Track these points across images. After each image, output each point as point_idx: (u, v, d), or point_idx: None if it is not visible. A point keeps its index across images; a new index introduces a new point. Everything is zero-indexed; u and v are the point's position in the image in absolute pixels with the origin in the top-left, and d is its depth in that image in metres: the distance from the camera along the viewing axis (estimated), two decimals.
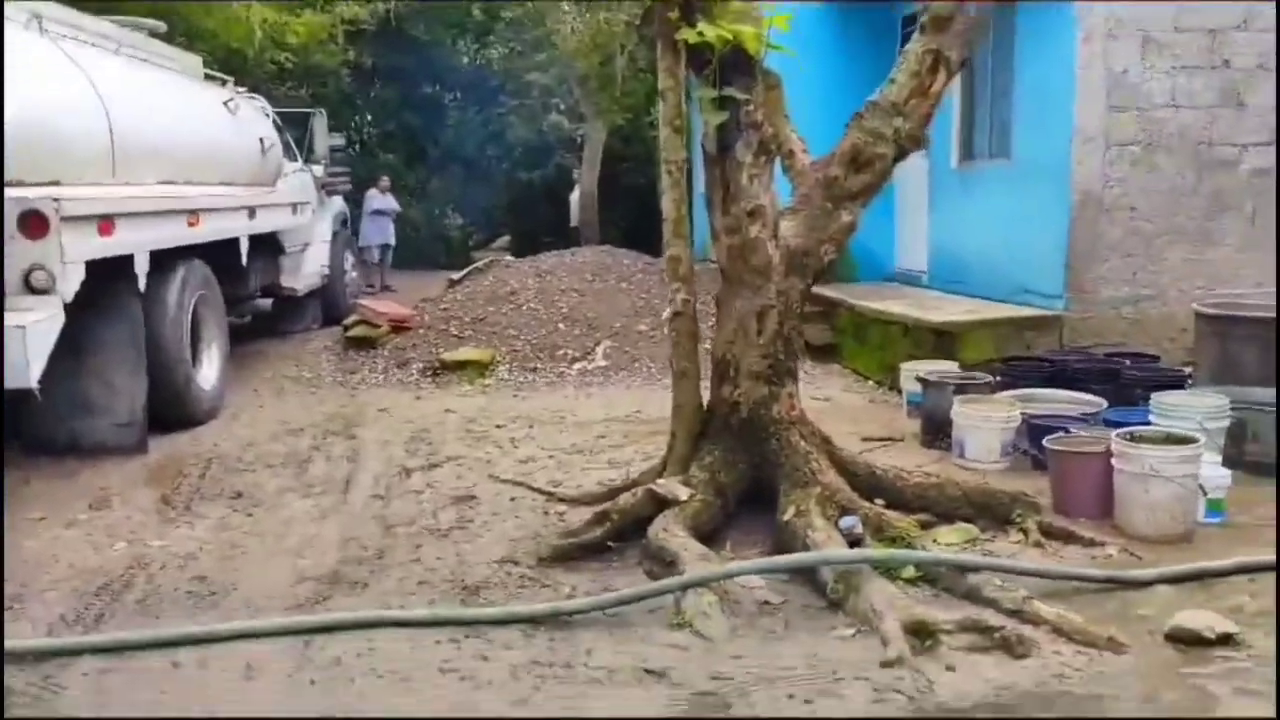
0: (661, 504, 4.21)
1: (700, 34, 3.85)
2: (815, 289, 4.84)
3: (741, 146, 4.20)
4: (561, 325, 9.14)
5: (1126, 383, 5.80)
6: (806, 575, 3.83)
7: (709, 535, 4.18)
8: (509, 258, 12.44)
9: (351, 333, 9.19)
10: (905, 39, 4.74)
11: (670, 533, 3.97)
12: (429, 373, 8.36)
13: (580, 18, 14.81)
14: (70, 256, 4.94)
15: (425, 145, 20.04)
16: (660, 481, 4.32)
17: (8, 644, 3.28)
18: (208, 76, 9.03)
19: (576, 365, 8.49)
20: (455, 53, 20.10)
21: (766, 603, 3.70)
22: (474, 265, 12.06)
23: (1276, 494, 4.49)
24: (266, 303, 9.80)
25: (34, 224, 4.83)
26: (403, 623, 3.50)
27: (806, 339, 8.18)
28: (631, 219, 18.00)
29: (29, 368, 4.62)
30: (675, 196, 4.53)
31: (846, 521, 4.07)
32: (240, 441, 6.22)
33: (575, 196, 17.24)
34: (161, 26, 8.15)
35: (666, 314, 4.69)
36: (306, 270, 10.11)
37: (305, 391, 7.89)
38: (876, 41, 8.95)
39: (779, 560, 3.87)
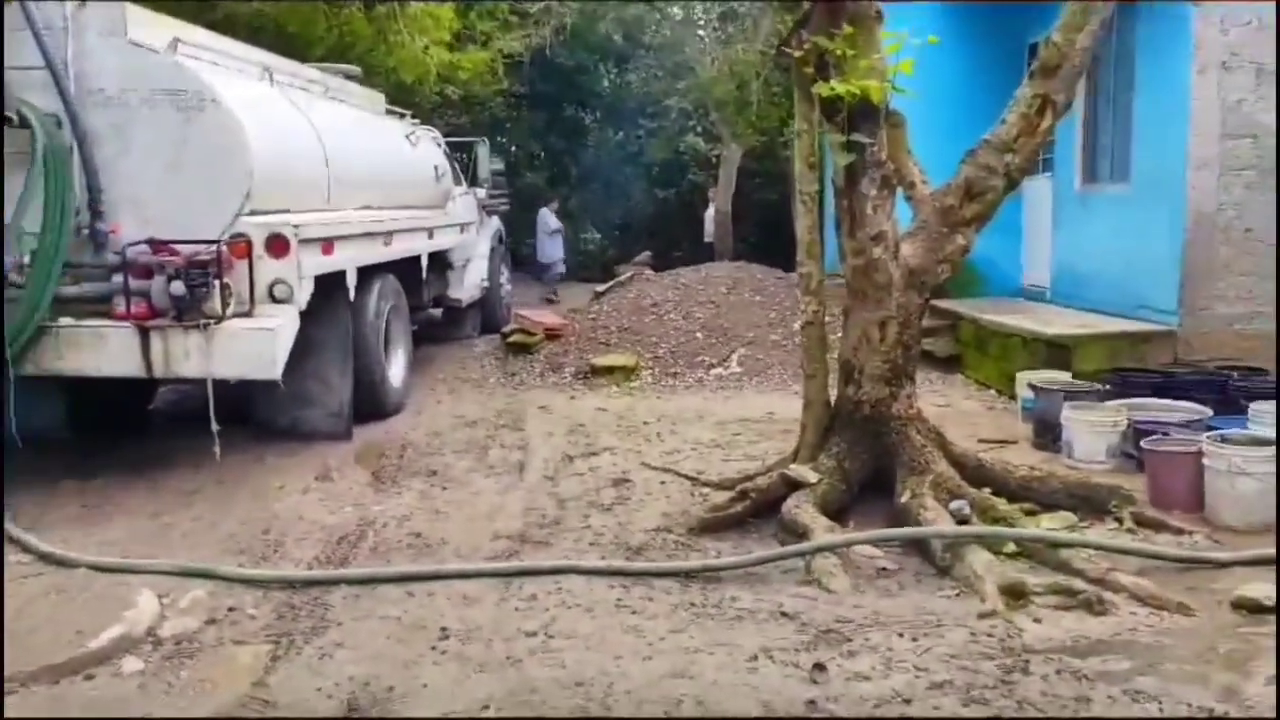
0: (793, 486, 4.94)
1: (832, 89, 4.58)
2: (941, 303, 5.49)
3: (867, 182, 4.91)
4: (699, 334, 9.93)
5: (1231, 394, 6.21)
6: (919, 548, 4.51)
7: (835, 514, 4.88)
8: (649, 272, 13.32)
9: (511, 339, 10.20)
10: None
11: (801, 509, 4.69)
12: (580, 376, 9.25)
13: (718, 47, 15.61)
14: (304, 272, 5.98)
15: (568, 166, 21.20)
16: (793, 467, 5.05)
17: (290, 572, 4.26)
18: (388, 111, 10.20)
19: (714, 371, 9.26)
20: (597, 78, 21.23)
21: (884, 569, 4.39)
22: (617, 279, 12.99)
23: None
24: (436, 312, 10.89)
25: (277, 246, 5.87)
26: (585, 571, 4.33)
27: (931, 350, 8.78)
28: (763, 234, 18.70)
29: (275, 363, 5.66)
30: (809, 222, 5.27)
31: (956, 504, 4.72)
32: (426, 431, 7.21)
33: (709, 213, 18.04)
34: (357, 71, 9.33)
35: (798, 323, 5.42)
36: (469, 283, 11.18)
37: (474, 390, 8.90)
38: (1004, 65, 9.43)
39: (895, 531, 4.56)
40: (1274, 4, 6.87)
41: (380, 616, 3.93)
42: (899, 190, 5.08)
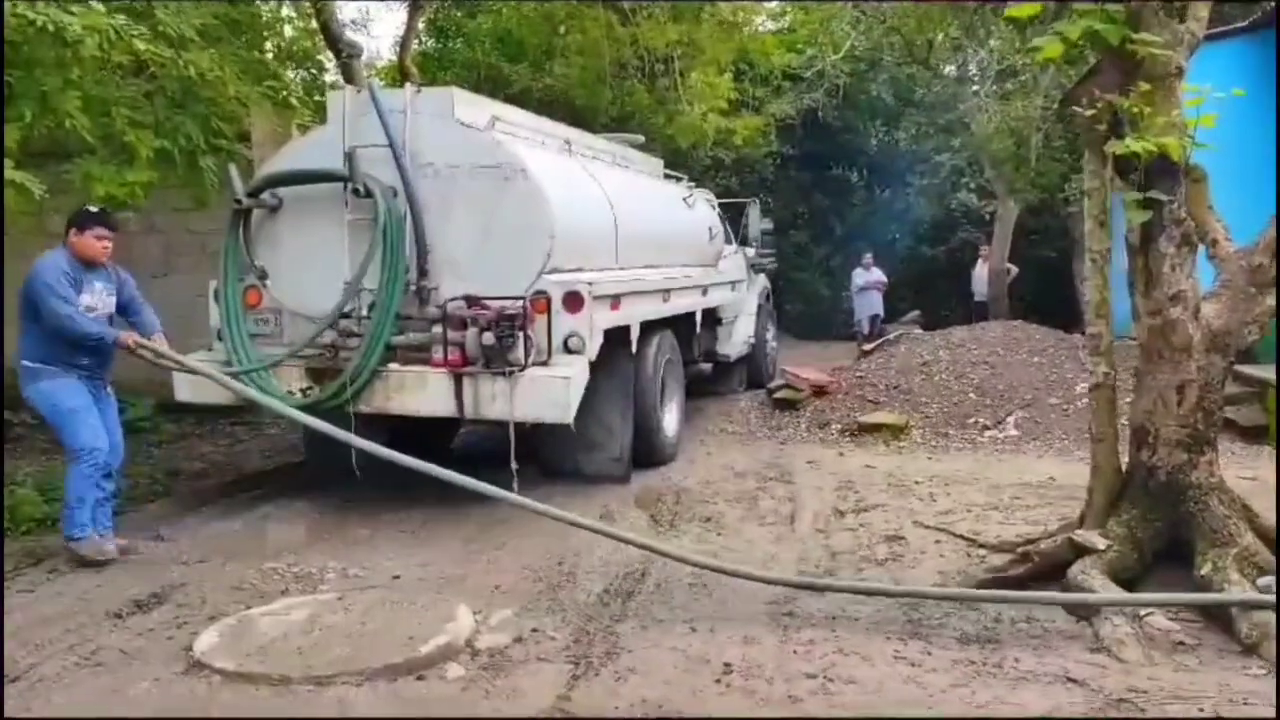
0: (1080, 551, 4.79)
1: (1127, 147, 4.50)
2: (1246, 369, 5.16)
3: (1164, 240, 4.75)
4: (972, 395, 9.72)
5: None
6: (1220, 623, 4.26)
7: (1125, 583, 4.67)
8: (918, 330, 13.17)
9: (777, 395, 10.40)
10: None
11: (1089, 575, 4.55)
12: (847, 433, 9.29)
13: (995, 103, 15.30)
14: (595, 326, 6.47)
15: (832, 224, 21.32)
16: (1079, 532, 4.90)
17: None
18: (666, 175, 10.79)
19: (988, 433, 9.03)
20: (865, 137, 21.30)
21: (1181, 642, 4.19)
22: (885, 337, 12.92)
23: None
24: (705, 367, 11.29)
25: (573, 302, 6.40)
26: (868, 592, 4.49)
27: (1234, 419, 8.15)
28: (1040, 292, 17.97)
29: (570, 408, 6.15)
30: (1098, 282, 5.14)
31: (1265, 581, 4.41)
32: (699, 479, 7.52)
33: (981, 271, 17.56)
34: (640, 139, 9.98)
35: (1087, 385, 5.27)
36: (737, 339, 11.51)
37: (741, 442, 9.15)
38: None
39: (1195, 596, 4.33)
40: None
41: (669, 648, 4.19)
42: (1199, 247, 4.87)
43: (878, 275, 16.85)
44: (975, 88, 17.70)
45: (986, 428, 9.14)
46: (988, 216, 18.66)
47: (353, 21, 14.76)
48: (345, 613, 4.46)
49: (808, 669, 3.96)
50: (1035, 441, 8.76)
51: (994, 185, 17.43)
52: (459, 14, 16.32)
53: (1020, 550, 5.01)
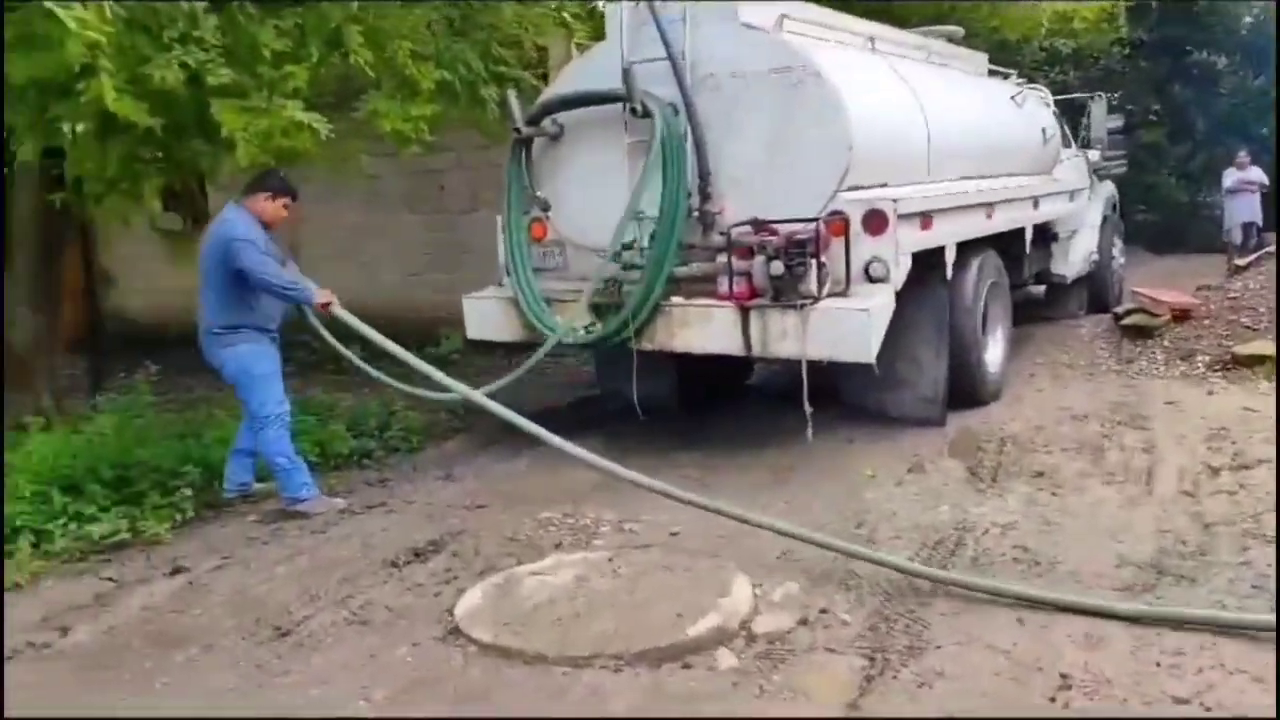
0: None
1: None
2: None
3: None
4: None
5: None
6: None
7: None
8: None
9: (1127, 320, 8.91)
10: None
11: None
12: (1217, 366, 7.73)
13: None
14: (901, 249, 5.62)
15: (1193, 119, 18.35)
16: None
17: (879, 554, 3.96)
18: (991, 72, 9.45)
19: None
20: (1234, 13, 18.04)
21: None
22: (1264, 249, 10.83)
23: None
24: (1037, 289, 9.95)
25: (875, 222, 5.58)
26: (1247, 626, 3.40)
27: None
28: None
29: (870, 345, 5.38)
30: None
31: None
32: (1028, 424, 6.47)
33: None
34: (960, 32, 8.75)
35: None
36: (1076, 257, 10.02)
37: (1081, 378, 7.88)
38: None
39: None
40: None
41: (986, 645, 3.42)
42: None
43: (1256, 174, 14.19)
44: None
45: None
46: None
47: None
48: (614, 576, 4.05)
49: (1178, 690, 3.06)
50: None
51: None
52: None
53: None
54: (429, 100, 5.88)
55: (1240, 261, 10.94)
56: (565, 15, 6.58)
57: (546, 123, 6.35)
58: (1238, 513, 4.63)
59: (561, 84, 6.48)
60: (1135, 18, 14.67)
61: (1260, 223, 14.30)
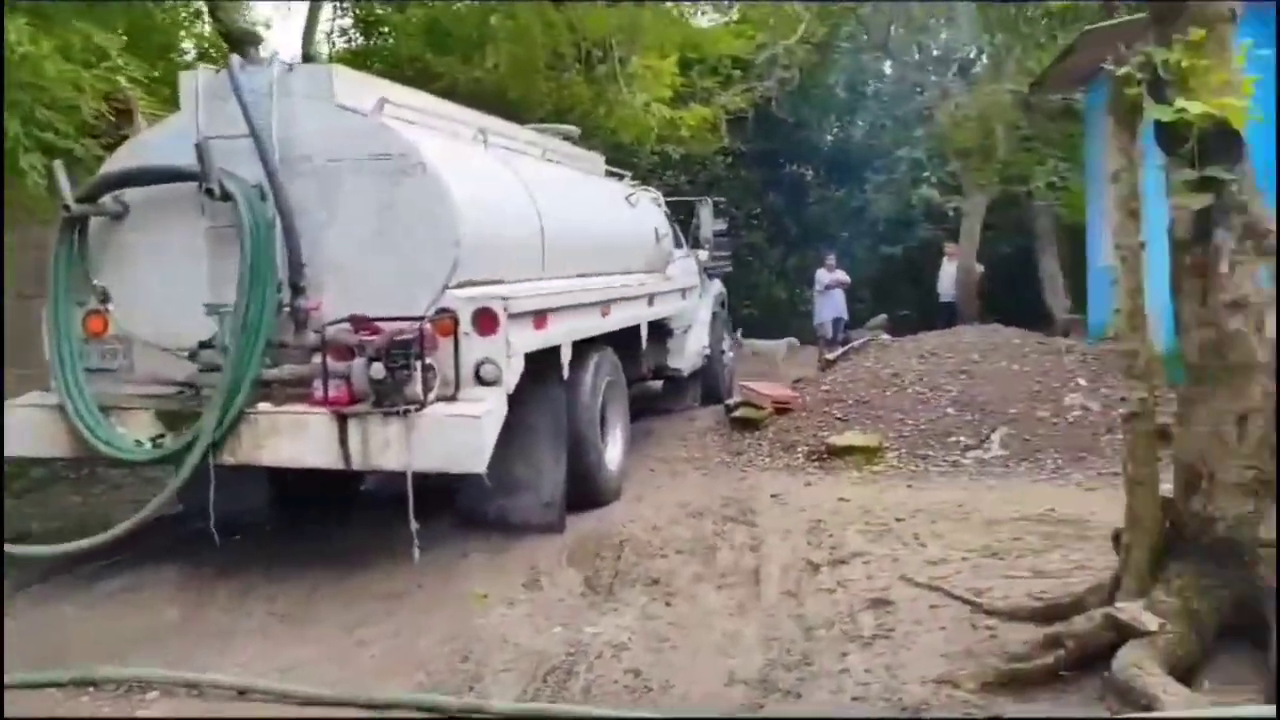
0: (1124, 632, 3.74)
1: (1179, 111, 3.46)
2: None
3: (1222, 232, 3.72)
4: (950, 410, 8.69)
5: None
6: None
7: (1184, 673, 3.64)
8: (885, 336, 12.16)
9: (736, 413, 9.31)
10: None
11: (1145, 670, 3.50)
12: (815, 457, 8.22)
13: (964, 92, 14.32)
14: (514, 350, 5.33)
15: (787, 224, 20.31)
16: (1121, 606, 3.84)
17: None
18: (607, 172, 9.66)
19: (971, 454, 8.02)
20: (819, 132, 20.30)
21: None
22: (849, 344, 11.91)
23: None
24: (656, 383, 10.18)
25: (485, 322, 5.26)
26: None
27: None
28: (1006, 292, 17.05)
29: (482, 454, 5.00)
30: (1131, 285, 4.09)
31: None
32: (646, 524, 6.38)
33: (946, 270, 16.60)
34: (575, 131, 8.85)
35: (1121, 414, 4.24)
36: (690, 351, 10.41)
37: (697, 472, 8.04)
38: None
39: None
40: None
41: None
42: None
43: (841, 275, 15.83)
44: (935, 77, 16.71)
45: (969, 447, 8.12)
46: (950, 212, 17.74)
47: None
48: None
49: None
50: (1025, 462, 7.76)
51: (961, 177, 16.42)
52: (386, 8, 15.10)
53: (1048, 634, 3.94)
54: None
55: (830, 356, 11.94)
56: (120, 79, 5.72)
57: (107, 200, 5.46)
58: (836, 613, 4.70)
59: (125, 157, 5.62)
60: (734, 130, 16.04)
61: (847, 318, 15.91)
